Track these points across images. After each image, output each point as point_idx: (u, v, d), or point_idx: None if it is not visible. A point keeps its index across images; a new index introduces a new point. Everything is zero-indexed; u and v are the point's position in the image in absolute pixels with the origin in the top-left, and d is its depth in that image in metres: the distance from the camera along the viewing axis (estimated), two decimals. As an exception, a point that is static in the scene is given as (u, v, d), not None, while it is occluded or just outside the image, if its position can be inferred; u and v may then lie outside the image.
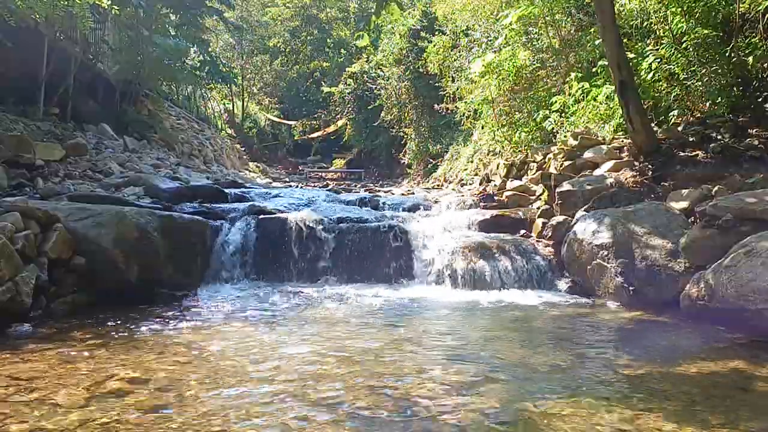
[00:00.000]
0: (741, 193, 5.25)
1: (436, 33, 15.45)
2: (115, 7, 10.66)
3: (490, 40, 11.74)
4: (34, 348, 3.80)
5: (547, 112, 9.20)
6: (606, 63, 7.43)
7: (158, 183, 8.69)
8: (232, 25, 22.71)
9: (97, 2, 10.12)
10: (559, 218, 6.67)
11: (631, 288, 5.33)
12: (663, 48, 7.23)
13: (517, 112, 10.35)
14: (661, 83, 7.34)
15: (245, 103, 27.08)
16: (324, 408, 2.79)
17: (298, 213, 7.02)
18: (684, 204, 5.71)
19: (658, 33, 7.48)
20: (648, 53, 7.41)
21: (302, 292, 5.83)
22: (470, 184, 11.64)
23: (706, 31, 6.82)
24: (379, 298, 5.62)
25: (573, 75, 9.01)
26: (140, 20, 14.53)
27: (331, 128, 26.76)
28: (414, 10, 18.47)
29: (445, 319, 5.05)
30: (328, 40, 30.76)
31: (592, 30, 8.64)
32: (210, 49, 19.84)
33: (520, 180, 8.84)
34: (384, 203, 8.50)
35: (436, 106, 15.46)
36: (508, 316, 5.05)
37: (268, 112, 29.77)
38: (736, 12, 6.79)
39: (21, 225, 4.63)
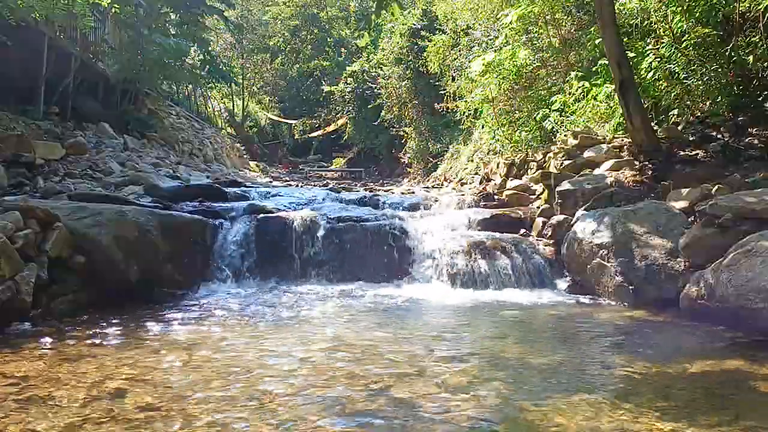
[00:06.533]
0: (741, 192, 5.24)
1: (437, 32, 15.44)
2: (116, 6, 10.66)
3: (491, 39, 11.75)
4: (34, 347, 3.80)
5: (547, 111, 9.19)
6: (606, 62, 7.43)
7: (158, 182, 8.70)
8: (232, 24, 22.72)
9: (97, 1, 10.12)
10: (559, 217, 6.67)
11: (630, 287, 5.33)
12: (663, 47, 7.22)
13: (517, 111, 10.35)
14: (661, 82, 7.33)
15: (245, 102, 27.09)
16: (322, 407, 2.79)
17: (298, 212, 7.02)
18: (684, 203, 5.70)
19: (658, 32, 7.47)
20: (648, 52, 7.41)
21: (302, 291, 5.83)
22: (470, 183, 11.63)
23: (706, 30, 6.82)
24: (379, 297, 5.62)
25: (573, 74, 9.01)
26: (140, 19, 14.53)
27: (332, 127, 26.76)
28: (414, 9, 18.47)
29: (445, 319, 5.05)
30: (329, 39, 30.77)
31: (593, 29, 8.64)
32: (210, 48, 19.86)
33: (520, 179, 8.83)
34: (384, 202, 8.49)
35: (436, 105, 15.47)
36: (508, 316, 5.05)
37: (268, 111, 29.79)
38: (737, 11, 6.78)
39: (21, 224, 4.63)
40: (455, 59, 13.94)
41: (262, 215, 6.82)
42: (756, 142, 6.55)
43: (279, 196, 8.77)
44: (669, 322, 4.76)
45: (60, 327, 4.34)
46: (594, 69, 8.57)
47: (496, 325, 4.75)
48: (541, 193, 7.74)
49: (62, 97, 12.23)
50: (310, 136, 29.00)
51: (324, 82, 27.67)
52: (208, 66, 18.80)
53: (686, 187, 5.95)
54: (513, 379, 3.23)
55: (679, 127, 7.35)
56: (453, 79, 13.89)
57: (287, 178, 19.22)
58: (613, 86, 7.33)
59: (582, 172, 7.32)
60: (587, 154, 7.58)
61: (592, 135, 7.96)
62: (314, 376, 3.26)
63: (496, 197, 8.33)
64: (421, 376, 3.26)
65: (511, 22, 9.66)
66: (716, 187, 5.66)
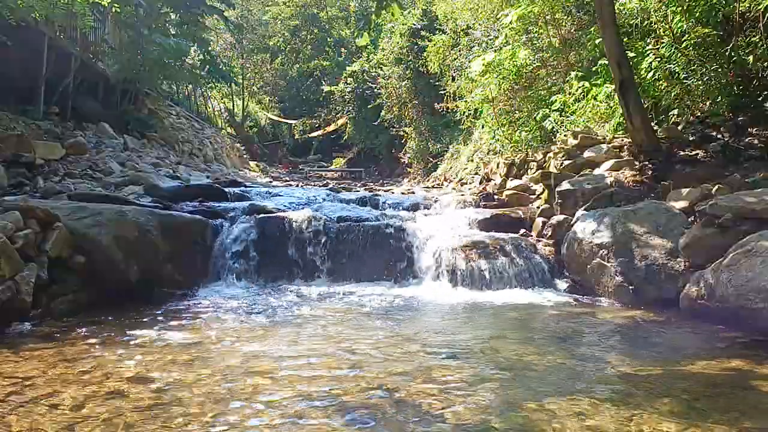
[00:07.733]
0: (741, 192, 5.24)
1: (437, 32, 15.45)
2: (116, 6, 10.66)
3: (491, 39, 11.75)
4: (34, 347, 3.80)
5: (548, 111, 9.19)
6: (606, 62, 7.43)
7: (158, 182, 8.70)
8: (232, 24, 22.72)
9: (97, 1, 10.12)
10: (559, 217, 6.67)
11: (630, 287, 5.33)
12: (663, 47, 7.22)
13: (517, 111, 10.35)
14: (661, 82, 7.33)
15: (245, 102, 27.08)
16: (323, 407, 2.79)
17: (298, 212, 7.02)
18: (684, 203, 5.70)
19: (658, 32, 7.47)
20: (648, 52, 7.41)
21: (302, 291, 5.83)
22: (470, 183, 11.63)
23: (706, 30, 6.82)
24: (379, 297, 5.62)
25: (573, 74, 9.01)
26: (140, 19, 14.53)
27: (332, 127, 26.76)
28: (414, 9, 18.47)
29: (445, 319, 5.05)
30: (329, 39, 30.77)
31: (593, 29, 8.64)
32: (210, 48, 19.86)
33: (520, 179, 8.83)
34: (384, 202, 8.50)
35: (436, 105, 15.48)
36: (508, 316, 5.05)
37: (268, 111, 29.79)
38: (737, 11, 6.78)
39: (21, 224, 4.63)
40: (455, 59, 13.95)
41: (262, 215, 6.82)
42: (756, 142, 6.55)
43: (279, 196, 8.78)
44: (669, 322, 4.76)
45: (60, 327, 4.34)
46: (594, 69, 8.57)
47: (496, 325, 4.75)
48: (541, 193, 7.74)
49: (62, 97, 12.22)
50: (310, 136, 29.00)
51: (324, 82, 27.66)
52: (208, 66, 18.80)
53: (686, 187, 5.95)
54: (513, 379, 3.24)
55: (679, 127, 7.35)
56: (453, 79, 13.90)
57: (287, 178, 19.22)
58: (613, 86, 7.33)
59: (582, 172, 7.32)
60: (587, 154, 7.58)
61: (592, 135, 7.96)
62: (315, 375, 3.26)
63: (496, 197, 8.33)
64: (421, 375, 3.26)
65: (511, 22, 9.66)
66: (716, 187, 5.66)
